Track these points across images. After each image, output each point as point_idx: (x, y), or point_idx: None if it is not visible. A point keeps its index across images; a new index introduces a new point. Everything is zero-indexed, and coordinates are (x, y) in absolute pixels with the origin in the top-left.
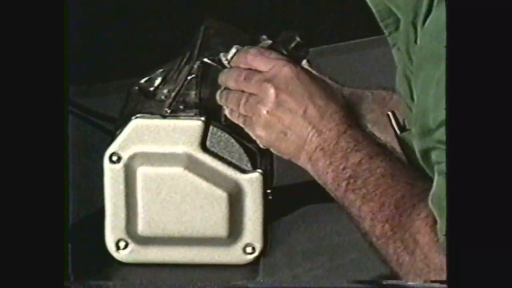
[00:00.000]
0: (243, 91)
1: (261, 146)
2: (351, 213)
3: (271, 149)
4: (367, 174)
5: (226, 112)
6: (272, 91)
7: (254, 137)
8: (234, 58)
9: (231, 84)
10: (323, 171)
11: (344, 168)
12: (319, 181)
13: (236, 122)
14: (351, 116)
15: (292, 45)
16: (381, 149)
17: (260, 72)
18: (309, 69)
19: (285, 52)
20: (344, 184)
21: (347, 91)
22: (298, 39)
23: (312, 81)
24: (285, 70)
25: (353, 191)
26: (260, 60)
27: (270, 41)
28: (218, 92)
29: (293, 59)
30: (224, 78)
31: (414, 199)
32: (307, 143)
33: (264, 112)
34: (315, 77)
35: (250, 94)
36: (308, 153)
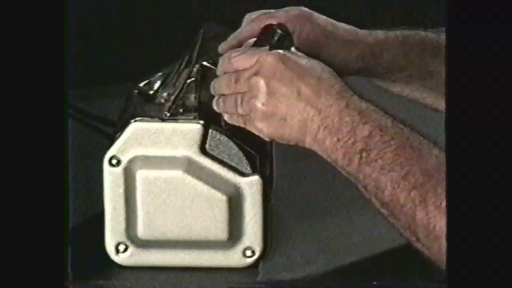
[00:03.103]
0: (237, 93)
1: (265, 139)
2: (367, 186)
3: (276, 139)
4: (381, 146)
5: (226, 118)
6: (261, 82)
7: (256, 132)
8: (219, 66)
9: (225, 91)
10: (331, 149)
11: (353, 143)
12: (329, 159)
13: (237, 124)
14: (348, 88)
15: (276, 38)
16: (389, 120)
17: (247, 69)
18: (295, 51)
19: (269, 47)
20: (356, 158)
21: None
22: (279, 31)
23: (299, 62)
24: (268, 59)
25: (367, 163)
26: (244, 59)
27: (252, 39)
28: (214, 101)
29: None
30: (217, 87)
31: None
32: (308, 124)
33: (260, 105)
34: (301, 57)
35: (243, 93)
36: (312, 134)
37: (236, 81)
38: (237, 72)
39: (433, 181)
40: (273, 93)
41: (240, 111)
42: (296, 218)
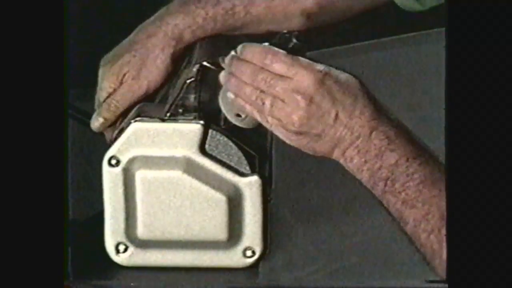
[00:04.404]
0: (261, 90)
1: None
2: (391, 212)
3: (304, 150)
4: (405, 178)
5: (230, 95)
6: (302, 103)
7: (281, 137)
8: (246, 51)
9: (245, 78)
10: (358, 169)
11: (380, 168)
12: (356, 176)
13: (246, 113)
14: (381, 108)
15: (289, 46)
16: (415, 149)
17: (282, 77)
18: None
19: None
20: (381, 184)
21: None
22: (295, 40)
23: (338, 80)
24: (308, 80)
25: (392, 193)
26: (280, 66)
27: (267, 44)
28: (223, 74)
29: None
30: (237, 68)
31: None
32: (340, 141)
33: (296, 121)
34: (338, 76)
35: (275, 97)
36: (341, 150)
37: (264, 80)
38: (268, 72)
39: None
40: (311, 114)
41: (267, 112)
42: (296, 218)
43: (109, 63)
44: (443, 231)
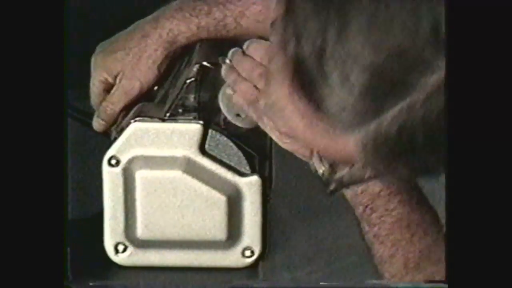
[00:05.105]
0: (257, 88)
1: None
2: (363, 237)
3: (297, 155)
4: (383, 212)
5: (228, 90)
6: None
7: (278, 142)
8: (251, 46)
9: (243, 72)
10: None
11: (362, 192)
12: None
13: (247, 112)
14: None
15: None
16: (401, 183)
17: None
18: None
19: None
20: (360, 208)
21: None
22: None
23: None
24: None
25: (367, 222)
26: None
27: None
28: (224, 68)
29: None
30: (237, 62)
31: (425, 263)
32: None
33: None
34: None
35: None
36: None
37: (261, 76)
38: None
39: (409, 277)
40: None
41: (261, 111)
42: (296, 218)
43: (102, 53)
44: (405, 280)
